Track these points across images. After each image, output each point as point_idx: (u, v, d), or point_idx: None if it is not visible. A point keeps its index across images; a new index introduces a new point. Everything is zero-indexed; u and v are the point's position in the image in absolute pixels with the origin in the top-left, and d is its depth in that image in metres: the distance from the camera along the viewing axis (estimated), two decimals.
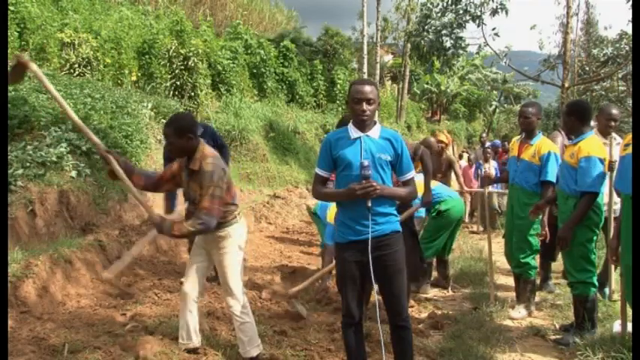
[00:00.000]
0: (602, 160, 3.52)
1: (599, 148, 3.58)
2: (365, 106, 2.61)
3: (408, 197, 2.81)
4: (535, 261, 4.24)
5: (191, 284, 3.12)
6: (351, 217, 2.65)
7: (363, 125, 2.66)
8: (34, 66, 2.83)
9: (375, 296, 2.74)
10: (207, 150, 3.01)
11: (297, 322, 3.94)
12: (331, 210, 4.94)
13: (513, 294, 5.17)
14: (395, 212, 2.74)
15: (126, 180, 2.96)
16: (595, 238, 3.66)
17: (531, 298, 4.35)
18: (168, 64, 9.92)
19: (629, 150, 2.90)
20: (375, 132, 2.68)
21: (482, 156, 9.93)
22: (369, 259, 2.55)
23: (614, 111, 4.30)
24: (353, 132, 2.68)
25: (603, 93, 19.00)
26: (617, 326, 3.62)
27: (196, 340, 3.17)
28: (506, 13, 11.45)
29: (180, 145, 2.92)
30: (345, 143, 2.67)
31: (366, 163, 2.54)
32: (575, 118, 3.68)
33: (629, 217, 2.80)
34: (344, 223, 2.69)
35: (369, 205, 2.56)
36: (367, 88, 2.63)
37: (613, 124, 4.22)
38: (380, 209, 2.63)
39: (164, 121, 8.33)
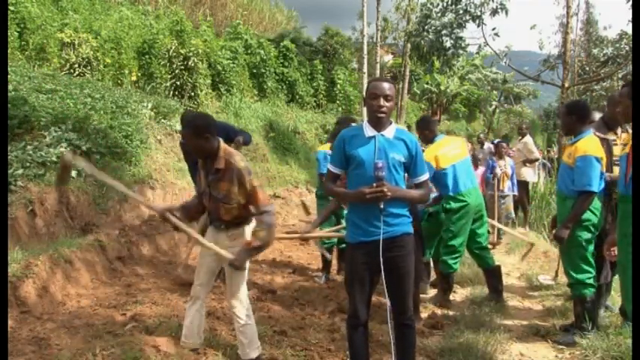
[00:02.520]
0: (599, 160, 3.51)
1: (597, 147, 3.57)
2: (382, 101, 2.60)
3: (421, 200, 2.80)
4: (449, 257, 4.53)
5: (202, 285, 3.14)
6: (363, 218, 2.63)
7: (378, 123, 2.64)
8: (80, 161, 2.91)
9: (387, 299, 2.73)
10: (230, 148, 3.03)
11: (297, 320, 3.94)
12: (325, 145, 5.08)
13: (510, 294, 5.19)
14: (407, 213, 2.72)
15: (188, 231, 3.02)
16: (593, 238, 3.66)
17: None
18: (168, 64, 9.91)
19: (626, 150, 2.89)
20: (390, 131, 2.66)
21: (487, 155, 9.20)
22: (380, 261, 2.54)
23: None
24: (368, 130, 2.66)
25: (603, 93, 19.00)
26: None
27: (199, 341, 3.18)
28: (506, 13, 11.44)
29: (199, 145, 2.90)
30: (359, 141, 2.66)
31: (380, 164, 2.53)
32: (576, 118, 3.67)
33: (628, 217, 2.79)
34: (355, 223, 2.68)
35: (382, 206, 2.55)
36: (385, 85, 2.63)
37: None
38: (392, 210, 2.61)
39: (164, 121, 8.33)
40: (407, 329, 2.73)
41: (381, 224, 2.57)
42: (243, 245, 2.94)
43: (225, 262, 3.04)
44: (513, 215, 8.27)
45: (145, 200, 2.92)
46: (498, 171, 7.85)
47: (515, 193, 8.24)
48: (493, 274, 4.72)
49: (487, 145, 10.50)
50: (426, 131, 4.60)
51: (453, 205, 4.40)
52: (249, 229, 3.13)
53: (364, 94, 2.76)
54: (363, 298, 2.70)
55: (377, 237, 2.57)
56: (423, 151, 4.57)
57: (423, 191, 2.73)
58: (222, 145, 2.98)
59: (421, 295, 4.91)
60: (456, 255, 4.51)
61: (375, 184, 2.52)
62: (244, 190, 2.90)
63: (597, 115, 4.18)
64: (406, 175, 2.77)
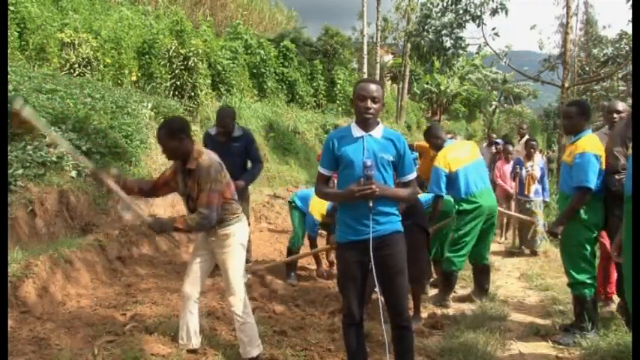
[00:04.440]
0: (597, 157, 3.53)
1: (596, 145, 3.59)
2: (370, 103, 2.61)
3: (409, 198, 2.81)
4: (454, 255, 4.57)
5: (191, 285, 3.14)
6: (353, 217, 2.65)
7: (366, 124, 2.66)
8: (24, 112, 2.92)
9: (379, 297, 2.74)
10: (203, 148, 3.08)
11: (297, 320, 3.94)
12: (313, 201, 5.06)
13: (510, 294, 5.19)
14: (396, 212, 2.74)
15: (119, 190, 3.02)
16: (594, 238, 3.66)
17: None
18: (168, 64, 9.91)
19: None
20: (377, 132, 2.68)
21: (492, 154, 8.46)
22: (371, 260, 2.55)
23: (619, 106, 4.07)
24: (356, 131, 2.68)
25: (603, 93, 19.01)
26: None
27: (196, 342, 3.18)
28: (506, 13, 11.46)
29: (173, 147, 2.94)
30: (347, 142, 2.67)
31: (369, 162, 2.54)
32: (585, 118, 3.70)
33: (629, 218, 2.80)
34: (345, 222, 2.69)
35: (371, 205, 2.56)
36: (373, 87, 2.63)
37: (615, 116, 4.00)
38: (382, 209, 2.63)
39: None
40: (404, 331, 2.72)
41: (371, 223, 2.59)
42: (172, 218, 3.03)
43: (215, 261, 3.12)
44: (541, 225, 6.88)
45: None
46: (523, 173, 7.01)
47: (547, 199, 7.25)
48: (483, 272, 4.81)
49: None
50: (434, 139, 4.69)
51: (466, 206, 4.46)
52: (240, 227, 3.14)
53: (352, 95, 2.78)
54: (356, 298, 2.71)
55: (367, 236, 2.59)
56: (434, 157, 4.61)
57: (411, 190, 2.75)
58: (197, 146, 3.02)
59: (423, 295, 4.92)
60: (462, 254, 4.56)
61: (361, 180, 2.54)
62: (200, 187, 2.93)
63: None
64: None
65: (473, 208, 4.44)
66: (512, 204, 7.43)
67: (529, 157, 7.07)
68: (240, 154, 4.97)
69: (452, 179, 4.44)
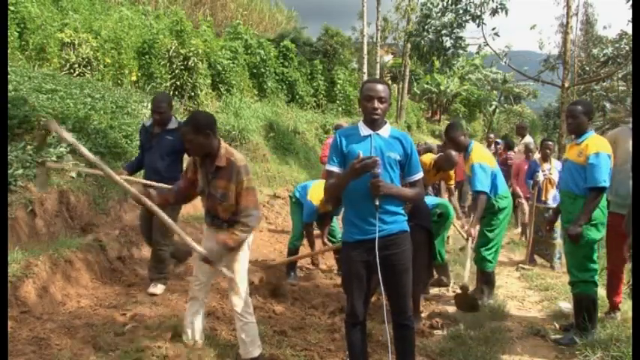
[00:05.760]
0: (610, 157, 3.59)
1: (606, 145, 3.65)
2: (377, 103, 2.62)
3: (415, 198, 2.82)
4: (490, 254, 4.52)
5: (200, 287, 3.14)
6: (359, 216, 2.65)
7: (373, 123, 2.67)
8: (54, 126, 2.90)
9: (383, 297, 2.73)
10: (230, 147, 3.03)
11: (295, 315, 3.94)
12: (312, 188, 5.06)
13: (510, 294, 5.19)
14: (402, 212, 2.74)
15: (163, 216, 2.88)
16: (599, 237, 3.67)
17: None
18: (168, 64, 9.91)
19: None
20: (385, 131, 2.69)
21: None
22: (376, 259, 2.55)
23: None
24: (363, 130, 2.69)
25: (603, 93, 19.03)
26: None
27: (200, 340, 3.18)
28: (506, 13, 11.47)
29: (199, 143, 2.86)
30: (355, 140, 2.68)
31: (376, 158, 2.52)
32: (589, 118, 3.76)
33: None
34: (351, 221, 2.69)
35: (377, 203, 2.56)
36: (380, 87, 2.65)
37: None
38: (388, 208, 2.63)
39: None
40: (406, 330, 2.73)
41: (377, 222, 2.59)
42: (218, 242, 2.90)
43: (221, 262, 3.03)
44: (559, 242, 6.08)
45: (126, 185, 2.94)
46: (541, 177, 6.42)
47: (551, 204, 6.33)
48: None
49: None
50: (461, 135, 4.55)
51: (502, 204, 4.49)
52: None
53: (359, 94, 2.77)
54: (361, 297, 2.71)
55: (373, 235, 2.59)
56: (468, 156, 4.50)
57: (417, 190, 2.75)
58: (223, 143, 2.98)
59: (423, 295, 4.92)
60: (495, 250, 4.60)
61: (359, 157, 2.50)
62: (237, 188, 2.89)
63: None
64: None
65: (504, 206, 4.50)
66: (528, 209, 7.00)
67: (545, 159, 6.54)
68: (172, 148, 4.35)
69: (493, 176, 4.46)
